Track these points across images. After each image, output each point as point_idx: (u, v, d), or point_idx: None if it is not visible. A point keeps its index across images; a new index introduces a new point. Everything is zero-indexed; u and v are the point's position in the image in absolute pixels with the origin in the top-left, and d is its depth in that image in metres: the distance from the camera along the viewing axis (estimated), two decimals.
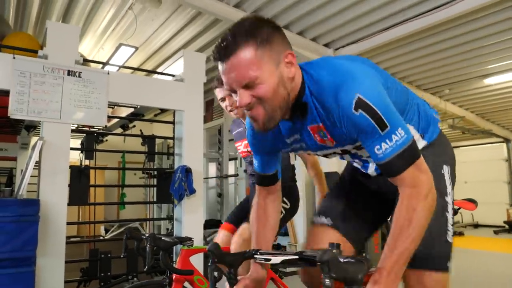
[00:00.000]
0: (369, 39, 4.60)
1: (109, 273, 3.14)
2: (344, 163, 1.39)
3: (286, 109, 1.00)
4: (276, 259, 0.74)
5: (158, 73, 3.92)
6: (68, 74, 3.02)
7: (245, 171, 5.47)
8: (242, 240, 1.95)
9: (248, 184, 2.48)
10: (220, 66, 0.96)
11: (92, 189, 4.44)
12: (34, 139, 5.00)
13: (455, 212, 1.60)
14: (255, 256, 0.76)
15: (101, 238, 7.19)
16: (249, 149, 2.27)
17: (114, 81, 3.21)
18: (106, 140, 7.34)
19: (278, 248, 4.94)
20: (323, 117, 1.00)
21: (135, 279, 3.08)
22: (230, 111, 2.18)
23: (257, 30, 0.93)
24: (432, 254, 1.06)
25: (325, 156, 1.20)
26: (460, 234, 8.14)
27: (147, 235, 1.33)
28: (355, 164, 1.30)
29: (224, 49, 0.93)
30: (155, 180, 3.73)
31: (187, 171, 3.28)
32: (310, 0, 3.93)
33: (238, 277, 0.98)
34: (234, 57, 0.91)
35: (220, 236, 2.15)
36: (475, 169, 10.15)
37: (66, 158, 2.91)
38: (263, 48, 0.92)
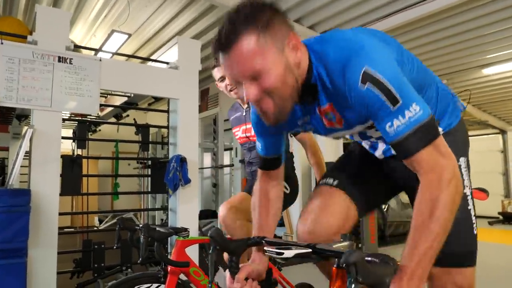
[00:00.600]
0: (367, 26, 4.53)
1: (102, 264, 3.09)
2: None
3: (295, 96, 0.93)
4: (289, 253, 0.68)
5: (152, 60, 3.82)
6: (59, 61, 2.93)
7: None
8: (229, 205, 1.87)
9: (246, 173, 2.42)
10: (222, 58, 0.89)
11: (85, 179, 4.38)
12: (25, 129, 4.91)
13: None
14: (265, 248, 0.70)
15: (95, 228, 7.14)
16: (247, 134, 2.21)
17: (107, 68, 3.12)
18: (100, 130, 7.25)
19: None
20: (332, 96, 0.93)
21: (129, 270, 3.04)
22: (230, 90, 2.09)
23: (257, 15, 0.86)
24: (463, 250, 1.01)
25: (336, 138, 1.15)
26: None
27: (141, 225, 1.28)
28: (363, 145, 1.25)
29: (225, 39, 0.86)
30: (149, 170, 3.67)
31: (182, 161, 3.22)
32: None
33: (240, 265, 0.92)
34: (236, 47, 0.84)
35: (234, 197, 2.10)
36: (471, 160, 10.10)
37: (58, 147, 2.83)
38: (265, 34, 0.85)
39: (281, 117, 0.93)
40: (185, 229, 1.41)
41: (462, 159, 1.12)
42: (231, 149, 7.44)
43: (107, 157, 4.73)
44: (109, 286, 1.29)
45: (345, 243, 0.73)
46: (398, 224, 5.62)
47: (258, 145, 1.21)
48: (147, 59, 4.64)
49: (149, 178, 3.62)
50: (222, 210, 1.89)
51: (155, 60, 3.73)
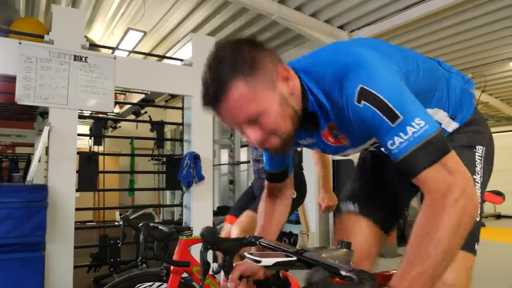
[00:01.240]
0: (385, 20, 4.38)
1: (118, 259, 3.15)
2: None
3: (297, 124, 0.90)
4: (268, 261, 0.65)
5: (167, 57, 3.85)
6: (75, 59, 2.98)
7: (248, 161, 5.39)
8: (241, 229, 1.91)
9: (253, 171, 2.40)
10: (214, 112, 0.86)
11: (105, 175, 4.47)
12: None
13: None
14: (245, 254, 0.67)
15: (116, 223, 7.30)
16: None
17: (122, 66, 3.15)
18: (120, 126, 7.39)
19: (290, 237, 4.88)
20: (333, 116, 0.89)
21: (144, 265, 3.08)
22: None
23: (238, 58, 0.81)
24: None
25: (345, 156, 1.11)
26: (482, 225, 7.90)
27: (140, 224, 1.28)
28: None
29: (213, 94, 0.82)
30: (164, 166, 3.71)
31: (195, 158, 3.23)
32: None
33: (234, 264, 0.90)
34: (226, 100, 0.81)
35: (225, 230, 2.11)
36: (499, 157, 9.42)
37: (74, 144, 2.89)
38: (252, 75, 0.81)
39: (286, 148, 0.92)
40: (188, 228, 1.40)
41: (479, 148, 1.06)
42: (248, 145, 7.45)
43: (123, 153, 4.81)
44: (110, 284, 1.30)
45: (339, 252, 0.68)
46: None
47: (264, 158, 1.20)
48: (162, 56, 4.68)
49: (164, 175, 3.65)
50: (232, 233, 1.96)
51: (170, 58, 3.74)
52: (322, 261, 0.59)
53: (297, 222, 4.80)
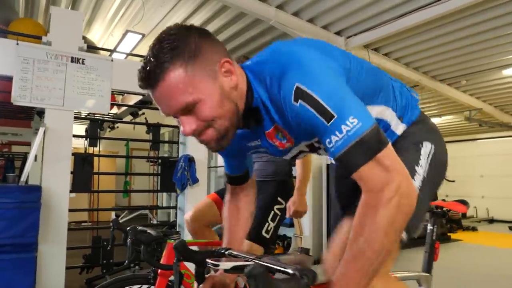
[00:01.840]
0: (382, 27, 4.43)
1: (111, 261, 3.16)
2: None
3: (237, 121, 0.89)
4: (226, 265, 0.68)
5: None
6: (72, 61, 3.01)
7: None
8: (195, 211, 2.06)
9: None
10: (151, 94, 0.84)
11: (101, 176, 4.48)
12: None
13: (443, 214, 1.52)
14: (207, 260, 0.71)
15: (110, 224, 7.30)
16: None
17: (119, 68, 3.18)
18: (117, 127, 7.41)
19: (283, 240, 4.90)
20: (275, 115, 0.89)
21: (136, 267, 3.10)
22: None
23: (182, 43, 0.80)
24: None
25: (294, 157, 1.09)
26: (474, 229, 7.95)
27: (128, 228, 1.31)
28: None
29: (148, 76, 0.80)
30: (159, 168, 3.73)
31: (190, 161, 3.26)
32: None
33: (206, 275, 0.93)
34: (162, 83, 0.79)
35: (200, 203, 2.15)
36: (492, 163, 9.88)
37: (69, 145, 2.91)
38: (193, 63, 0.80)
39: (223, 143, 0.89)
40: (177, 232, 1.43)
41: (426, 143, 1.04)
42: None
43: (118, 155, 4.82)
44: (98, 286, 1.32)
45: (297, 256, 0.72)
46: None
47: (224, 163, 1.21)
48: None
49: (159, 177, 3.67)
50: (187, 216, 2.09)
51: None
52: (273, 264, 0.63)
53: (291, 225, 4.82)
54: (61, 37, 2.97)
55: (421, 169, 0.98)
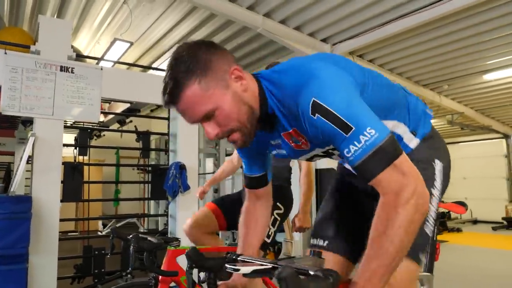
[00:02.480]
0: (367, 34, 4.54)
1: (103, 270, 3.13)
2: None
3: (256, 120, 0.98)
4: (246, 269, 0.71)
5: (153, 68, 3.88)
6: (61, 70, 2.99)
7: (242, 166, 5.44)
8: (194, 220, 2.11)
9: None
10: (176, 110, 0.95)
11: (88, 184, 4.43)
12: (30, 135, 4.97)
13: (444, 214, 1.57)
14: (226, 265, 0.73)
15: (99, 233, 7.20)
16: None
17: (108, 76, 3.18)
18: (104, 135, 7.33)
19: (274, 245, 4.92)
20: (292, 122, 0.96)
21: (129, 276, 3.07)
22: None
23: (193, 60, 0.89)
24: None
25: (309, 160, 1.15)
26: (458, 230, 8.13)
27: (131, 236, 1.32)
28: (345, 164, 1.27)
29: (170, 96, 0.91)
30: (150, 176, 3.72)
31: (181, 168, 3.27)
32: None
33: (218, 282, 0.95)
34: (182, 100, 0.90)
35: (199, 212, 2.21)
36: (474, 165, 10.15)
37: (59, 154, 2.89)
38: (205, 76, 0.89)
39: (247, 141, 0.98)
40: (176, 239, 1.45)
41: (438, 162, 1.12)
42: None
43: (108, 164, 4.78)
44: None
45: (311, 260, 0.76)
46: None
47: (243, 164, 1.25)
48: (147, 67, 4.70)
49: (149, 185, 3.66)
50: (185, 226, 2.14)
51: (155, 68, 3.79)
52: (294, 265, 0.66)
53: (281, 230, 4.85)
54: (49, 46, 2.95)
55: (437, 191, 1.07)
